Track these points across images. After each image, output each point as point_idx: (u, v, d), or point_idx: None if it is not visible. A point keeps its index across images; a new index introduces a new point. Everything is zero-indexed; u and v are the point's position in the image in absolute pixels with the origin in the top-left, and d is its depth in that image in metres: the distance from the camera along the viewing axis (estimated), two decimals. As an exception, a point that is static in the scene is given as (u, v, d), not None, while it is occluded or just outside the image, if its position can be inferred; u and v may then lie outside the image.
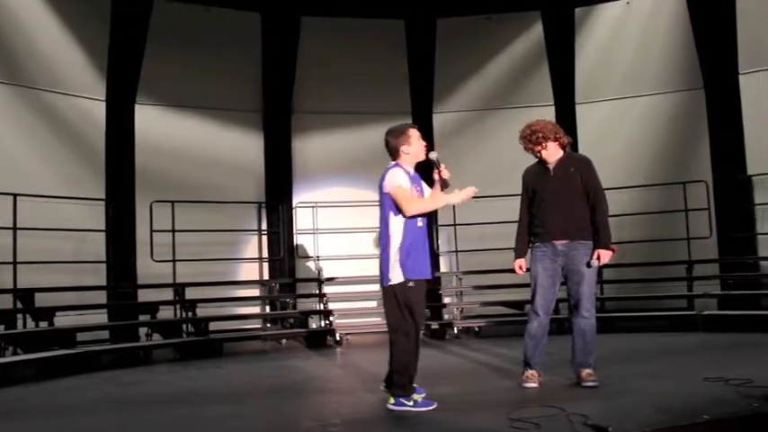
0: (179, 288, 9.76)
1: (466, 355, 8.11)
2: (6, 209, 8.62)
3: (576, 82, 11.53)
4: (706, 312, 9.54)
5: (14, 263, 8.62)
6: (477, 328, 10.40)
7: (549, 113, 11.55)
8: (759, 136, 10.19)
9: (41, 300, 8.66)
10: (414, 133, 5.16)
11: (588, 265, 5.57)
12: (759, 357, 6.83)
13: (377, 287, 10.75)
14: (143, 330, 9.47)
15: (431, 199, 5.15)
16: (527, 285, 10.56)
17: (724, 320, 9.41)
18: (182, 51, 10.60)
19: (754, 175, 10.17)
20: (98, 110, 10.13)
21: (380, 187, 5.08)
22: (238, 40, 11.09)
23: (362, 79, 11.46)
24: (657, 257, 10.58)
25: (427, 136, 11.47)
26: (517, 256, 5.82)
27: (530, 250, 5.81)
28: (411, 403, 4.91)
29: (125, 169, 10.25)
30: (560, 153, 5.75)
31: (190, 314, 9.38)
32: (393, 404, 4.93)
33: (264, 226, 11.20)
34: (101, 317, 9.69)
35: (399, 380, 4.95)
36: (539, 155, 5.78)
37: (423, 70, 11.68)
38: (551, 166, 5.73)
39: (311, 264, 11.16)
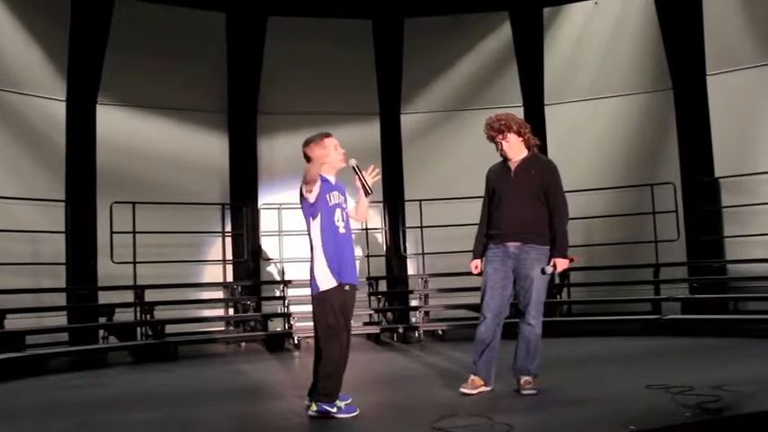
0: (138, 290, 9.63)
1: (421, 359, 7.99)
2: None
3: (544, 83, 11.43)
4: (670, 316, 9.46)
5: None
6: (440, 332, 10.28)
7: (517, 114, 11.33)
8: (726, 138, 10.13)
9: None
10: (329, 142, 5.07)
11: (543, 272, 5.42)
12: (709, 363, 6.75)
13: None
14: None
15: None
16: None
17: (689, 324, 9.34)
18: (145, 51, 10.48)
19: (721, 178, 10.09)
20: (58, 110, 9.98)
21: (300, 197, 5.02)
22: (203, 39, 10.97)
23: (329, 80, 11.35)
24: (625, 260, 10.49)
25: (395, 137, 11.65)
26: (474, 257, 5.68)
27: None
28: (335, 410, 4.81)
29: (86, 170, 10.11)
30: (524, 152, 5.61)
31: (148, 317, 9.26)
32: (316, 411, 4.82)
33: (229, 228, 11.06)
34: (61, 319, 9.58)
35: (327, 387, 4.82)
36: (499, 145, 5.61)
37: (390, 71, 11.58)
38: (513, 166, 5.58)
39: (274, 266, 11.05)
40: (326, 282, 4.90)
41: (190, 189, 10.69)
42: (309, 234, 4.98)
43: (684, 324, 9.34)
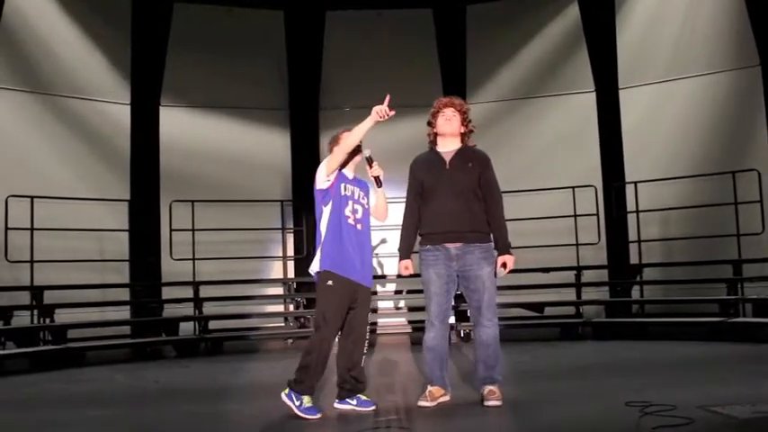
0: (196, 286, 9.91)
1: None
2: (39, 210, 9.10)
3: (618, 65, 10.61)
4: (737, 319, 8.49)
5: (32, 261, 9.05)
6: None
7: (589, 100, 10.82)
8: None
9: (66, 296, 9.21)
10: (345, 135, 5.08)
11: (495, 275, 4.99)
12: (737, 376, 5.94)
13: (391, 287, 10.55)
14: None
15: (352, 135, 5.00)
16: (550, 286, 9.96)
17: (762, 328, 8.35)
18: (205, 52, 10.76)
19: (813, 163, 8.95)
20: (123, 113, 10.49)
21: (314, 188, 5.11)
22: (262, 38, 11.11)
23: (392, 72, 11.08)
24: (704, 255, 9.54)
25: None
26: (402, 257, 5.24)
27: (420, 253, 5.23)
28: (298, 403, 4.78)
29: (150, 170, 10.54)
30: (457, 143, 5.20)
31: (197, 312, 9.54)
32: (285, 394, 4.83)
33: (290, 224, 11.13)
34: (124, 313, 10.02)
35: (299, 375, 4.83)
36: (442, 116, 5.15)
37: (454, 60, 11.19)
38: (447, 157, 5.14)
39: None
40: (317, 263, 4.94)
41: (252, 187, 10.85)
42: (318, 223, 5.03)
43: (757, 328, 8.35)
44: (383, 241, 10.40)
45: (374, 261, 10.62)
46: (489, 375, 5.09)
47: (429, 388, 5.17)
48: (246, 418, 5.02)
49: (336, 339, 5.04)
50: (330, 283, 4.87)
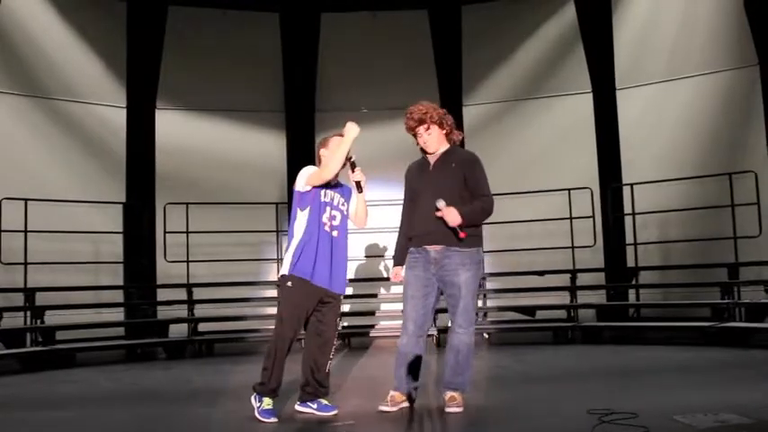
0: (189, 288, 9.93)
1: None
2: (34, 213, 9.20)
3: (615, 65, 10.48)
4: (727, 324, 8.33)
5: (25, 263, 9.14)
6: (486, 335, 9.72)
7: (586, 101, 10.69)
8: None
9: (60, 298, 9.26)
10: (335, 139, 5.03)
11: (436, 209, 4.81)
12: (715, 383, 5.84)
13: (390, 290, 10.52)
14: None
15: (333, 157, 4.89)
16: (544, 289, 9.87)
17: (753, 333, 8.19)
18: (200, 55, 10.83)
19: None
20: (119, 117, 10.55)
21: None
22: (257, 40, 11.12)
23: (388, 74, 11.09)
24: (701, 259, 9.39)
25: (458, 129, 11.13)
26: (396, 263, 5.20)
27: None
28: (258, 405, 4.82)
29: (145, 173, 10.60)
30: (445, 146, 5.15)
31: (190, 314, 9.57)
32: (253, 396, 4.88)
33: (285, 226, 11.07)
34: (118, 315, 10.09)
35: (262, 376, 4.85)
36: (419, 138, 5.06)
37: (450, 61, 11.12)
38: (432, 160, 5.09)
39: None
40: (286, 267, 4.92)
41: (247, 189, 10.84)
42: (292, 224, 4.96)
43: (748, 333, 8.19)
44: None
45: (381, 264, 10.75)
46: (453, 382, 5.02)
47: (392, 393, 5.11)
48: (212, 421, 5.00)
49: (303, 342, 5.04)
50: (289, 284, 4.85)
